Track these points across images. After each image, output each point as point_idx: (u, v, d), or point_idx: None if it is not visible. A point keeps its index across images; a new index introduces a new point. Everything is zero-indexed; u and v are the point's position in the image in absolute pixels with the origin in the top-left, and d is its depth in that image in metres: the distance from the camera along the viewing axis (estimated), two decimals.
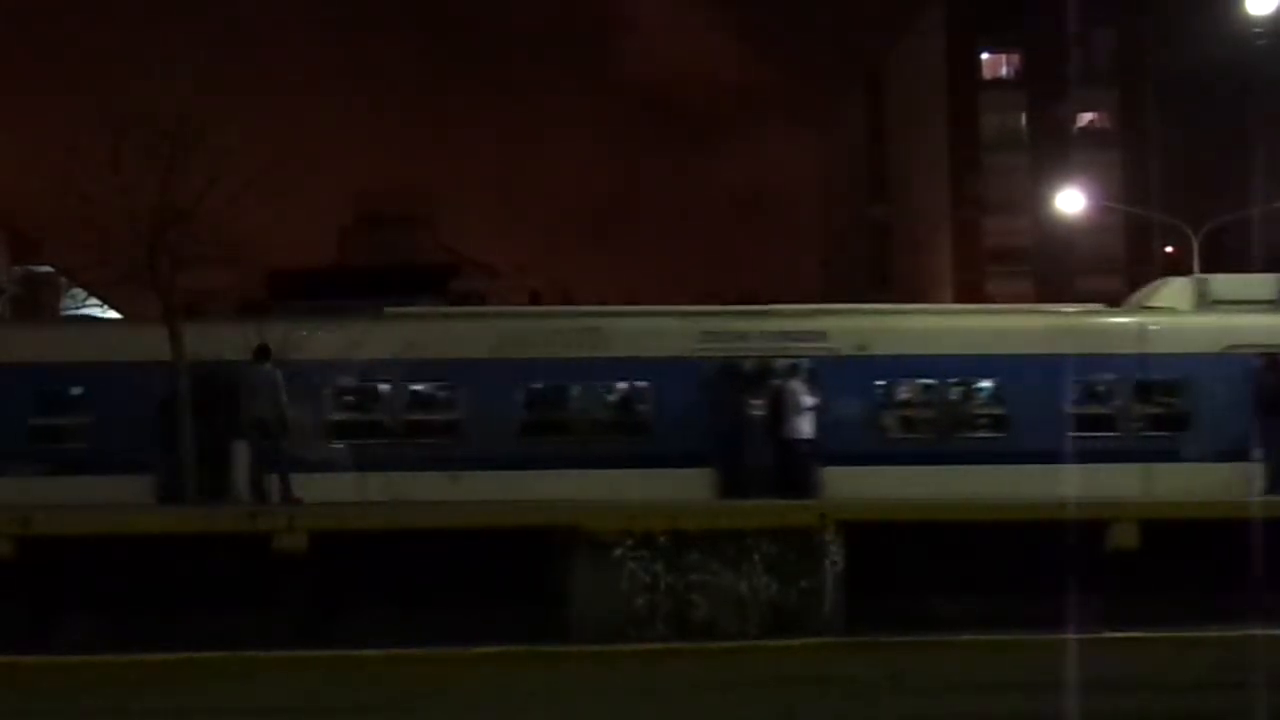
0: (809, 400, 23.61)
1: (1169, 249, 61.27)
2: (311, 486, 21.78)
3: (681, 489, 22.92)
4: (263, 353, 22.26)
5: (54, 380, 24.61)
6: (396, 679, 15.63)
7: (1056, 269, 64.99)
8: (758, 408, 24.24)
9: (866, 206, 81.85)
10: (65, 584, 17.88)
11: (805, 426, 23.57)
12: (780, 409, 23.69)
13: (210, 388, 22.86)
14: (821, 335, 25.25)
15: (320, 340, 24.16)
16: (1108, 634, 17.19)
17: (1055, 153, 67.51)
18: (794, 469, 23.42)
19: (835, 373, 24.63)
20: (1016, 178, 68.80)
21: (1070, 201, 56.20)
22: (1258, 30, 39.00)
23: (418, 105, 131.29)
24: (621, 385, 25.29)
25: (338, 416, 24.69)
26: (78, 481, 22.85)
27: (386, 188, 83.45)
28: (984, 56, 71.98)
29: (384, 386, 24.92)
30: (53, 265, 43.80)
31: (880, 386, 25.26)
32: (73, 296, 39.37)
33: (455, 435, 24.60)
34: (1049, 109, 69.64)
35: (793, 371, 24.10)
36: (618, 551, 17.89)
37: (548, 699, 14.48)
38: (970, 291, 64.49)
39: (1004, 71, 72.50)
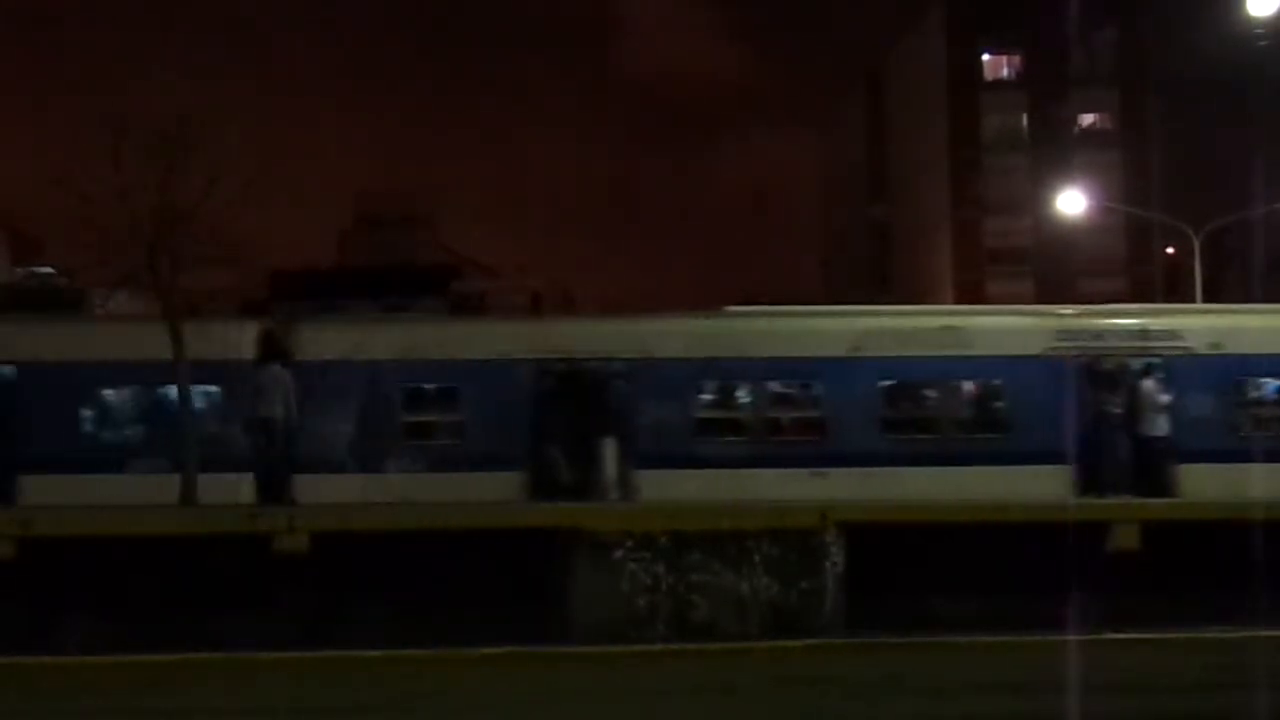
0: (1164, 398, 24.02)
1: (1170, 250, 61.26)
2: (670, 483, 22.52)
3: (1039, 487, 22.93)
4: (271, 353, 22.22)
5: (426, 377, 24.88)
6: (397, 679, 15.62)
7: (1057, 270, 64.91)
8: (1115, 406, 24.45)
9: (867, 206, 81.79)
10: (66, 585, 17.88)
11: (1161, 424, 23.97)
12: (1136, 407, 24.06)
13: (579, 384, 24.02)
14: (1177, 334, 25.44)
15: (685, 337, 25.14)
16: (1108, 635, 17.20)
17: (1056, 153, 67.43)
18: (1151, 467, 23.84)
19: (1190, 371, 24.88)
20: (1017, 178, 68.72)
21: (1071, 202, 56.14)
22: (1259, 31, 38.99)
23: (416, 106, 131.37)
24: (980, 383, 25.57)
25: (703, 415, 25.09)
26: (449, 479, 23.24)
27: (386, 188, 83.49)
28: (985, 57, 71.89)
29: (745, 385, 25.39)
30: (53, 266, 43.84)
31: (1234, 385, 25.33)
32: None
33: (817, 433, 24.92)
34: (1050, 109, 69.57)
35: (1148, 370, 24.48)
36: (618, 552, 17.90)
37: (548, 700, 14.48)
38: (970, 292, 64.43)
39: (1005, 72, 72.41)
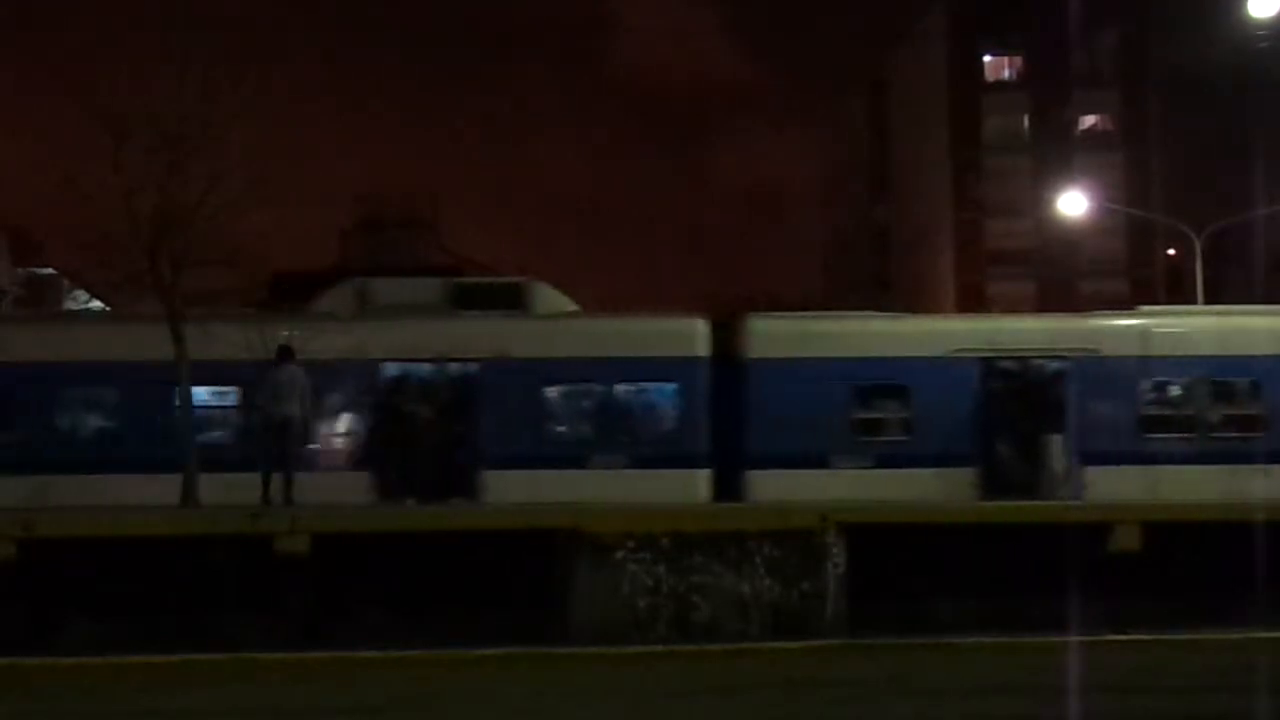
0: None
1: (1171, 251, 61.24)
2: (1113, 480, 23.00)
3: None
4: (286, 353, 22.19)
5: (877, 375, 25.25)
6: (398, 680, 15.62)
7: (1059, 271, 64.93)
8: None
9: (868, 208, 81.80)
10: (67, 586, 17.88)
11: None
12: None
13: (1027, 382, 24.72)
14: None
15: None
16: (1110, 636, 17.20)
17: (1057, 155, 67.41)
18: None
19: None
20: (1018, 180, 68.69)
21: (1072, 204, 56.10)
22: (1260, 32, 38.98)
23: (417, 106, 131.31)
24: None
25: (1148, 412, 25.23)
26: (898, 475, 23.74)
27: (387, 190, 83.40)
28: (986, 59, 71.89)
29: (1188, 382, 25.55)
30: (54, 267, 43.88)
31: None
32: (75, 298, 39.46)
33: (1263, 430, 24.99)
34: (1051, 111, 69.56)
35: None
36: (619, 553, 17.89)
37: (549, 700, 14.47)
38: (972, 294, 64.44)
39: (1006, 74, 72.42)
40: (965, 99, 70.64)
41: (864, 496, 22.57)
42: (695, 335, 25.44)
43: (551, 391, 25.31)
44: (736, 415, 24.89)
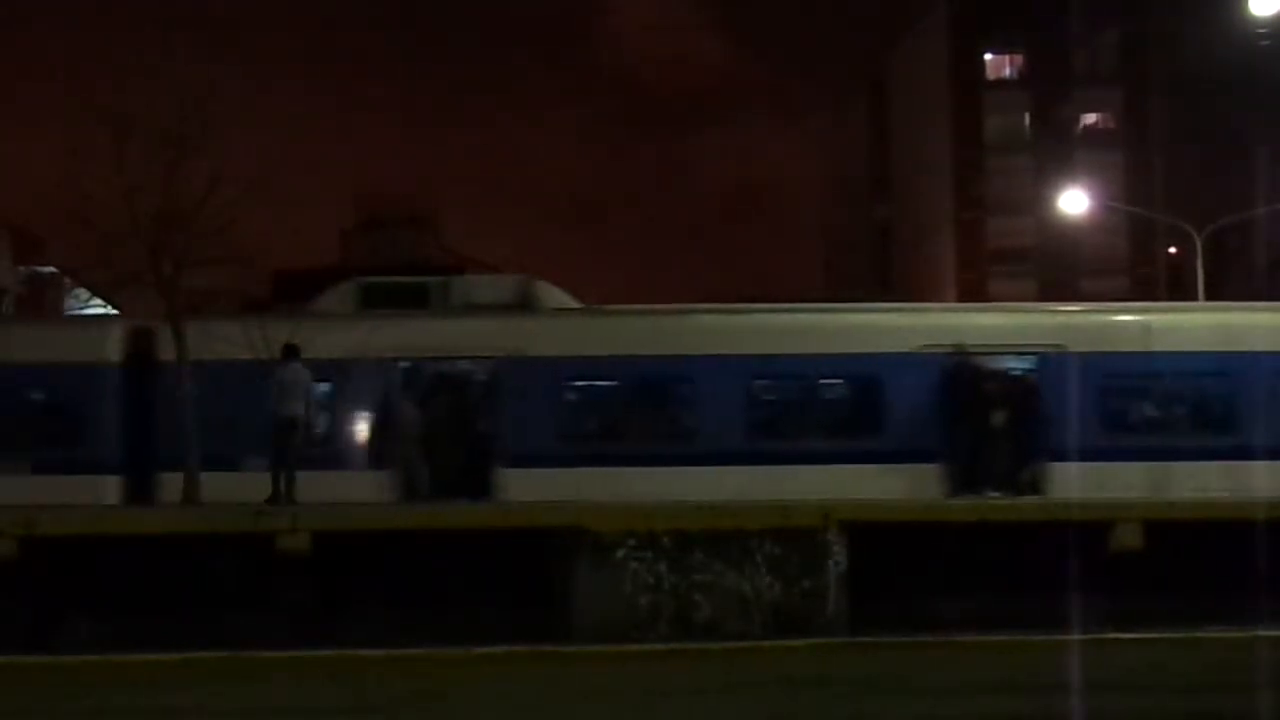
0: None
1: (1172, 249, 61.25)
2: None
3: None
4: (292, 351, 22.18)
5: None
6: (398, 680, 15.61)
7: (1060, 270, 64.93)
8: None
9: (869, 206, 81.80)
10: (68, 584, 17.88)
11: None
12: None
13: None
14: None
15: None
16: (1111, 634, 17.19)
17: (1058, 153, 67.43)
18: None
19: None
20: (1020, 178, 68.70)
21: (1074, 202, 56.15)
22: (1261, 30, 39.04)
23: (417, 105, 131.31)
24: None
25: None
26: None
27: (387, 188, 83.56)
28: (987, 57, 71.89)
29: None
30: (55, 266, 43.84)
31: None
32: (76, 297, 39.44)
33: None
34: (1052, 109, 69.57)
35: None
36: (621, 552, 17.87)
37: (549, 700, 14.45)
38: (973, 293, 64.40)
39: (1007, 72, 72.42)
40: (966, 97, 70.64)
41: None
42: None
43: None
44: None
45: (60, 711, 14.35)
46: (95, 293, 34.43)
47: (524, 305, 26.03)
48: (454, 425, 24.75)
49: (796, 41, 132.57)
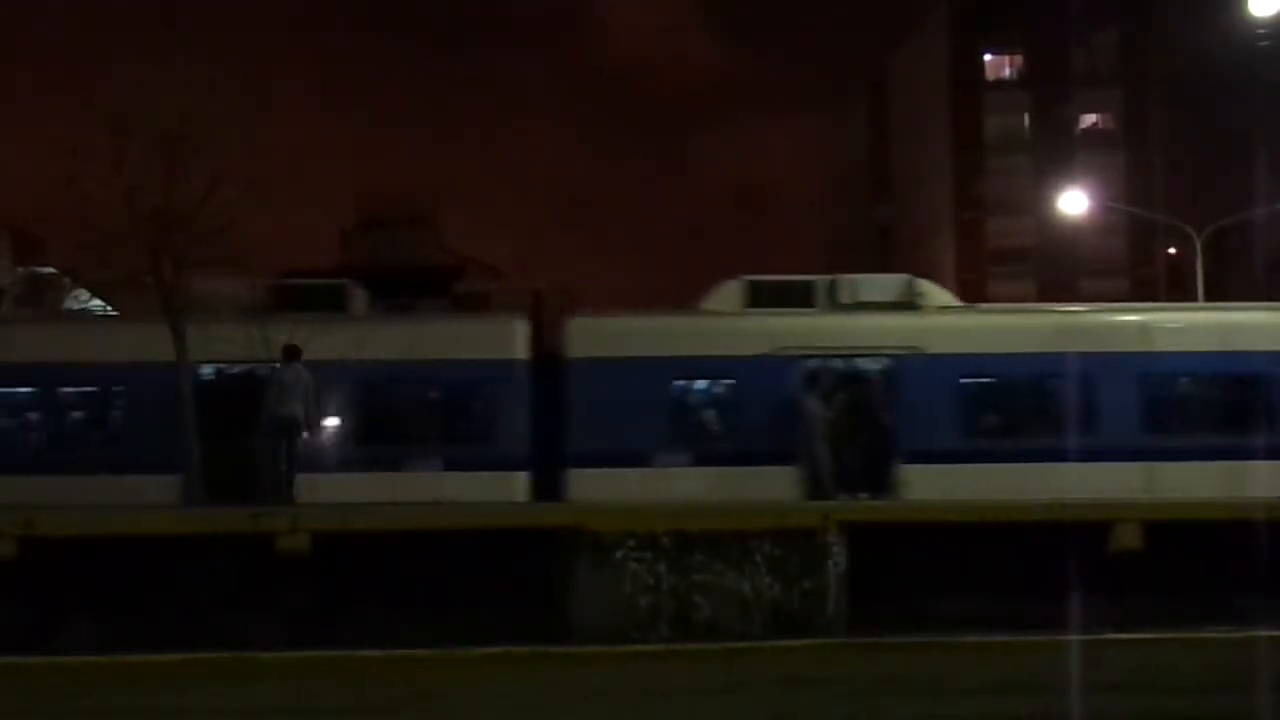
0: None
1: (1172, 250, 61.26)
2: None
3: None
4: (293, 353, 22.18)
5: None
6: (398, 680, 15.61)
7: (1060, 270, 64.95)
8: None
9: (869, 207, 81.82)
10: (68, 584, 17.87)
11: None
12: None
13: None
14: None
15: None
16: (1111, 635, 17.19)
17: (1058, 154, 67.48)
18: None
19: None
20: (1019, 179, 68.76)
21: (1073, 203, 56.16)
22: (1260, 31, 39.03)
23: (417, 105, 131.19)
24: None
25: None
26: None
27: (387, 188, 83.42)
28: (987, 58, 71.93)
29: None
30: (55, 266, 43.75)
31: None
32: (76, 297, 39.36)
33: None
34: (1052, 110, 69.60)
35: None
36: (620, 552, 17.88)
37: (549, 700, 14.47)
38: (973, 293, 64.37)
39: (1007, 73, 72.45)
40: (966, 98, 70.67)
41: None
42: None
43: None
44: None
45: (60, 711, 14.36)
46: (95, 293, 34.39)
47: (911, 303, 26.40)
48: (857, 421, 25.05)
49: (796, 41, 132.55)
